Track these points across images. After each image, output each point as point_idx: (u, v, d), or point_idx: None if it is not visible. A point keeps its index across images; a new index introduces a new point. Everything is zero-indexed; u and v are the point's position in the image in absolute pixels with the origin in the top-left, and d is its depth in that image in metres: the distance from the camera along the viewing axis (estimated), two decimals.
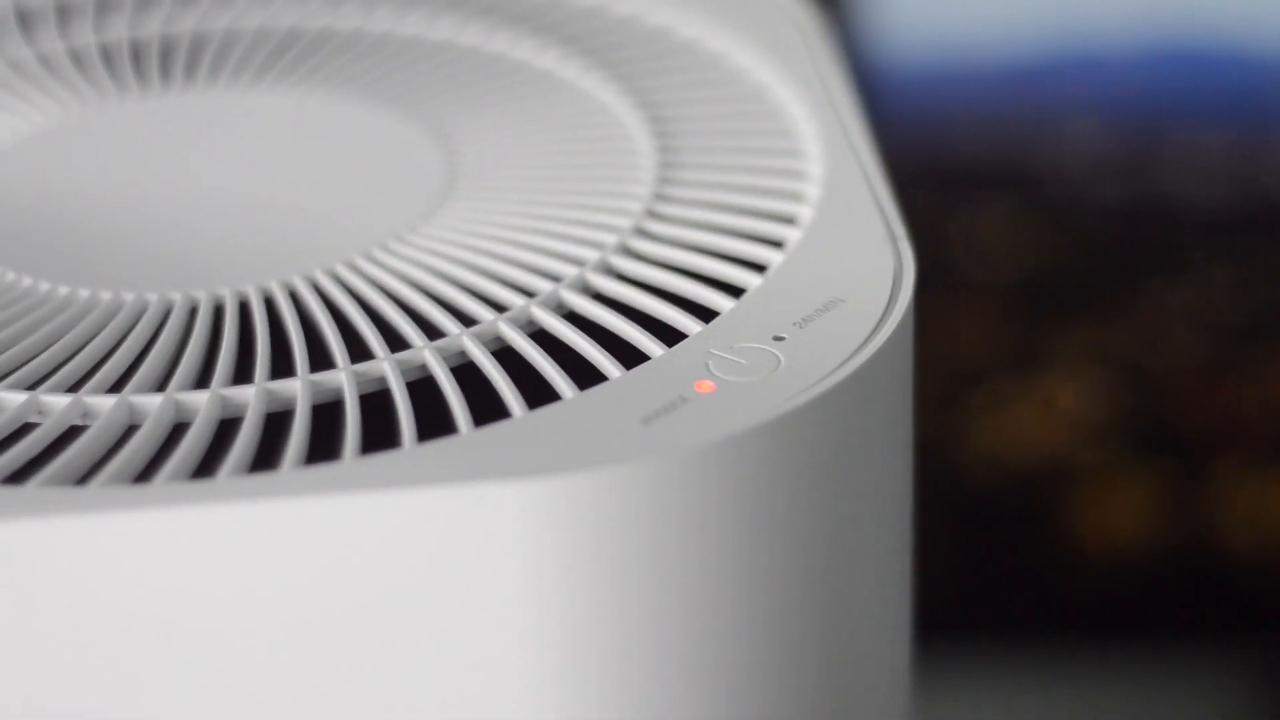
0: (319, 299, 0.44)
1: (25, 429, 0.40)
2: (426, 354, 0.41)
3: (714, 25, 0.56)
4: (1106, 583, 1.04)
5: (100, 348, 0.42)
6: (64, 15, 0.59)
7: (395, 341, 0.42)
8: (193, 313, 0.44)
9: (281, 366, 0.42)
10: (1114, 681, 1.03)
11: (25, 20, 0.59)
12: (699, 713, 0.40)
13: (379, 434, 0.39)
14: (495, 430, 0.38)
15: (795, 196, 0.47)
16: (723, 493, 0.38)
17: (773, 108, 0.52)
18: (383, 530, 0.36)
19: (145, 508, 0.36)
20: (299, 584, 0.37)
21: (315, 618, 0.37)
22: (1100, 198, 1.05)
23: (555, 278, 0.44)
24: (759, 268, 0.44)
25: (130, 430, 0.40)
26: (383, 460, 0.37)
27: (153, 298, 0.44)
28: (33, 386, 0.41)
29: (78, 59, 0.57)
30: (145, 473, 0.38)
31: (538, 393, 0.40)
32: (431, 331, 0.42)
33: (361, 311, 0.43)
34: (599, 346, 0.41)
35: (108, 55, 0.57)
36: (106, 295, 0.44)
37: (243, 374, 0.41)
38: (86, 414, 0.40)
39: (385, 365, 0.41)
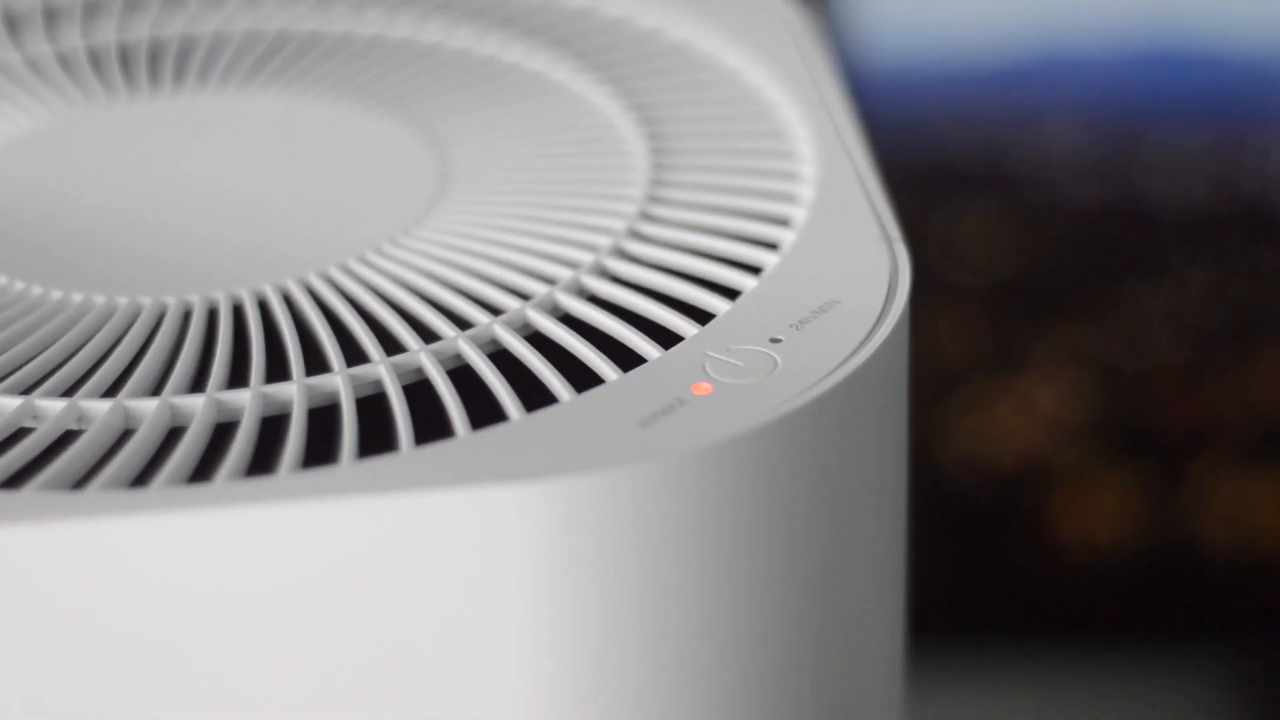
0: (313, 302, 0.44)
1: (21, 433, 0.40)
2: (422, 357, 0.41)
3: (704, 27, 0.56)
4: (1085, 583, 1.04)
5: (94, 352, 0.42)
6: (51, 18, 0.59)
7: (390, 345, 0.42)
8: (186, 317, 0.44)
9: (276, 370, 0.41)
10: (1093, 681, 1.03)
11: (12, 23, 0.59)
12: (697, 714, 0.40)
13: (375, 438, 0.39)
14: (492, 433, 0.38)
15: (789, 198, 0.47)
16: (720, 495, 0.38)
17: (765, 109, 0.52)
18: (381, 534, 0.36)
19: (143, 512, 0.36)
20: (297, 588, 0.37)
21: (313, 622, 0.37)
22: (1079, 199, 1.05)
23: (550, 280, 0.44)
24: (754, 270, 0.44)
25: (126, 434, 0.39)
26: (380, 464, 0.37)
27: (146, 302, 0.44)
28: (27, 391, 0.41)
29: (66, 62, 0.56)
30: (142, 477, 0.38)
31: (533, 396, 0.40)
32: (426, 335, 0.42)
33: (356, 315, 0.43)
34: (595, 349, 0.41)
35: (96, 58, 0.57)
36: (100, 299, 0.44)
37: (237, 378, 0.41)
38: (82, 418, 0.40)
39: (381, 369, 0.41)
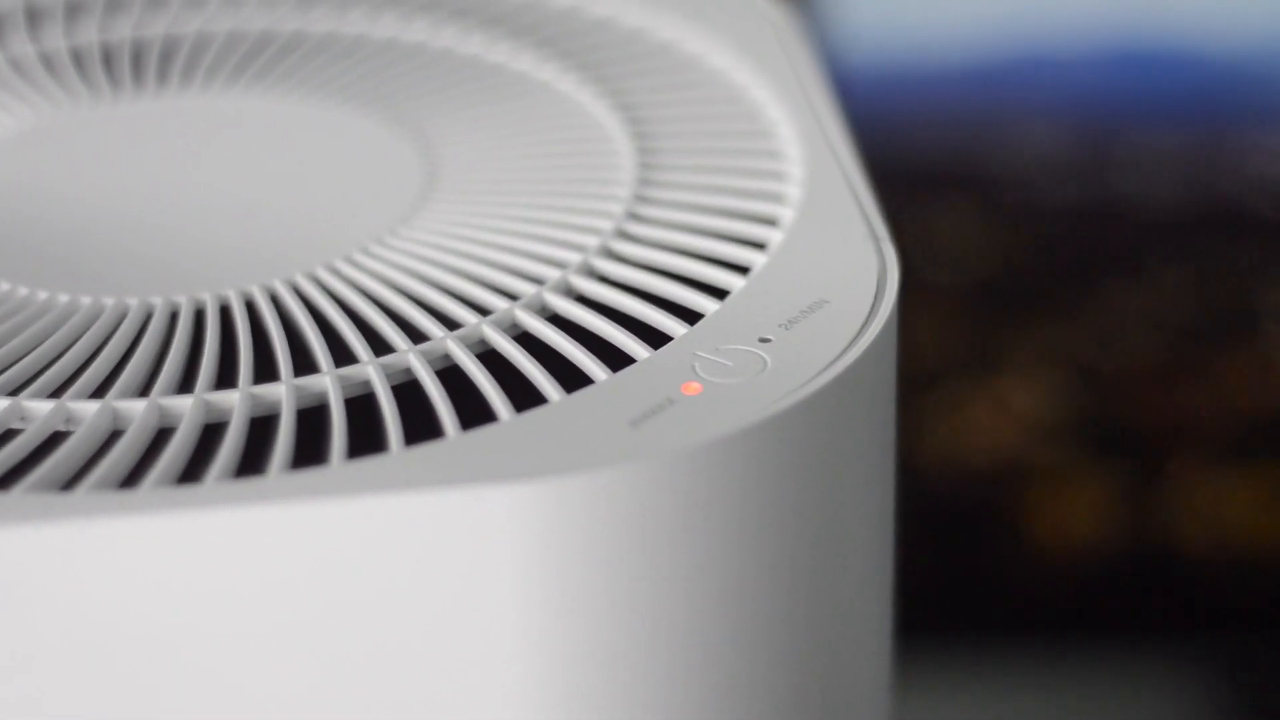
0: (300, 303, 0.44)
1: (8, 435, 0.39)
2: (411, 357, 0.41)
3: (690, 27, 0.56)
4: (1062, 582, 1.04)
5: (81, 353, 0.42)
6: (33, 18, 0.59)
7: (378, 345, 0.42)
8: (173, 317, 0.43)
9: (264, 371, 0.41)
10: (1070, 679, 1.03)
11: None
12: (688, 712, 0.40)
13: (364, 438, 0.39)
14: (483, 434, 0.38)
15: (776, 198, 0.47)
16: (711, 495, 0.38)
17: (751, 109, 0.52)
18: (371, 534, 0.36)
19: (133, 513, 0.36)
20: (287, 588, 0.36)
21: (304, 623, 0.37)
22: (1055, 199, 1.05)
23: (538, 280, 0.44)
24: (742, 269, 0.44)
25: (114, 435, 0.39)
26: (371, 464, 0.37)
27: (133, 302, 0.44)
28: (15, 392, 0.41)
29: (48, 62, 0.56)
30: (131, 478, 0.38)
31: (522, 396, 0.39)
32: (415, 335, 0.42)
33: (344, 315, 0.43)
34: (584, 349, 0.41)
35: (79, 59, 0.56)
36: (86, 300, 0.44)
37: (226, 378, 0.41)
38: (70, 419, 0.40)
39: (370, 369, 0.41)
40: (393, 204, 0.48)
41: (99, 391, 0.41)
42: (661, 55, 0.56)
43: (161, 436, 0.39)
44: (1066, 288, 1.05)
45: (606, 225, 0.46)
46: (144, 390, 0.41)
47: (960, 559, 1.05)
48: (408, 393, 0.40)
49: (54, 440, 0.39)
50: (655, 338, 0.41)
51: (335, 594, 0.37)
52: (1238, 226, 1.04)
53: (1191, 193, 1.03)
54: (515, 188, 0.49)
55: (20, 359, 0.42)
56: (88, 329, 0.43)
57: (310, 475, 0.37)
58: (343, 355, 0.42)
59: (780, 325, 0.41)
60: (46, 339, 0.43)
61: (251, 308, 0.44)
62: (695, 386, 0.39)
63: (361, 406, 0.40)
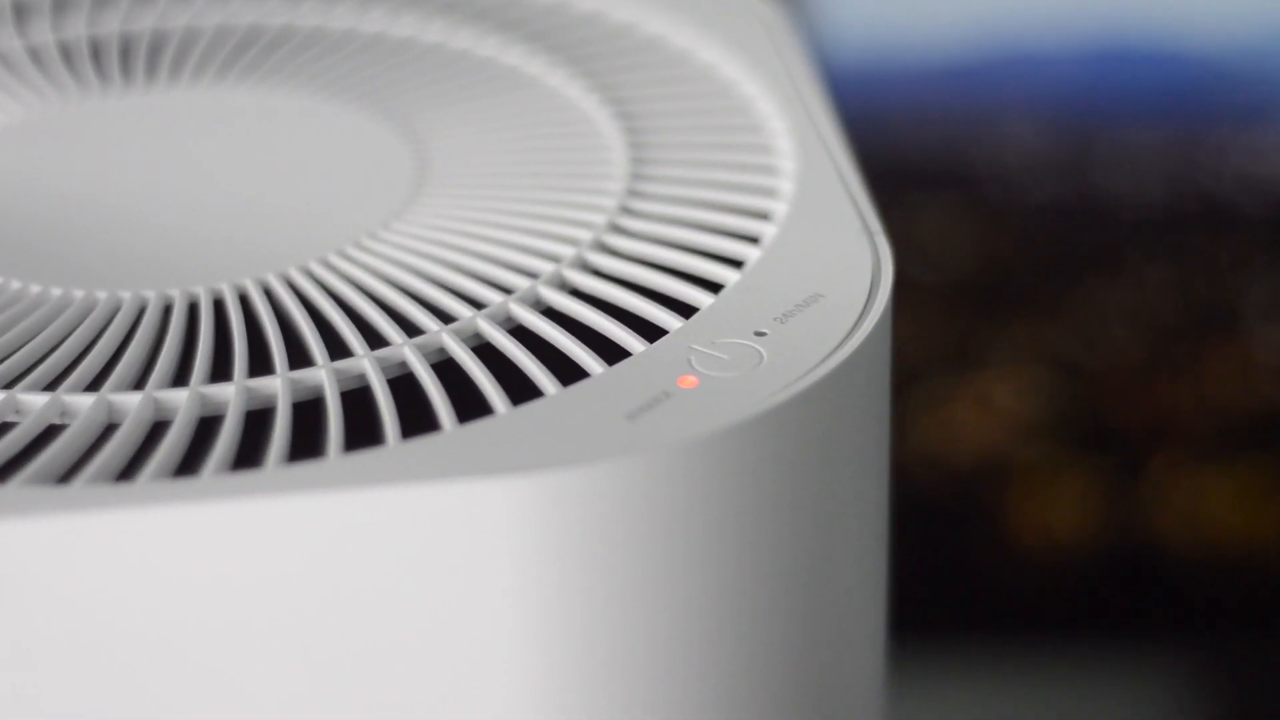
0: (294, 296, 0.44)
1: (3, 428, 0.39)
2: (406, 351, 0.41)
3: (677, 21, 0.56)
4: (1044, 579, 1.05)
5: (76, 346, 0.42)
6: (21, 13, 0.58)
7: (373, 339, 0.42)
8: (167, 311, 0.43)
9: (259, 364, 0.41)
10: (1052, 676, 1.03)
11: None
12: (684, 706, 0.40)
13: (360, 432, 0.38)
14: (479, 427, 0.38)
15: (769, 192, 0.47)
16: (708, 488, 0.38)
17: (742, 103, 0.52)
18: (369, 528, 0.36)
19: (129, 506, 0.36)
20: (284, 582, 0.36)
21: (301, 616, 0.37)
22: (1037, 196, 1.05)
23: (532, 274, 0.44)
24: (736, 263, 0.44)
25: (110, 428, 0.39)
26: (367, 458, 0.37)
27: (126, 296, 0.44)
28: (9, 385, 0.41)
29: (37, 57, 0.56)
30: (127, 471, 0.38)
31: (518, 389, 0.39)
32: (410, 329, 0.42)
33: (338, 309, 0.43)
34: (580, 343, 0.41)
35: (67, 53, 0.56)
36: (79, 294, 0.44)
37: (220, 372, 0.41)
38: (65, 412, 0.40)
39: (365, 363, 0.41)
40: (386, 198, 0.48)
41: (93, 385, 0.41)
42: (651, 50, 0.56)
43: (157, 430, 0.39)
44: (1049, 285, 1.05)
45: (600, 219, 0.46)
46: (139, 384, 0.41)
47: (941, 556, 1.05)
48: (404, 386, 0.40)
49: (49, 433, 0.39)
50: (650, 331, 0.41)
51: (332, 587, 0.37)
52: (1219, 223, 1.04)
53: (1173, 190, 1.03)
54: (508, 182, 0.49)
55: (14, 352, 0.42)
56: (81, 322, 0.43)
57: (307, 468, 0.37)
58: (337, 349, 0.42)
59: (775, 319, 0.41)
60: (40, 332, 0.42)
61: (245, 301, 0.43)
62: (691, 380, 0.39)
63: (357, 400, 0.40)
